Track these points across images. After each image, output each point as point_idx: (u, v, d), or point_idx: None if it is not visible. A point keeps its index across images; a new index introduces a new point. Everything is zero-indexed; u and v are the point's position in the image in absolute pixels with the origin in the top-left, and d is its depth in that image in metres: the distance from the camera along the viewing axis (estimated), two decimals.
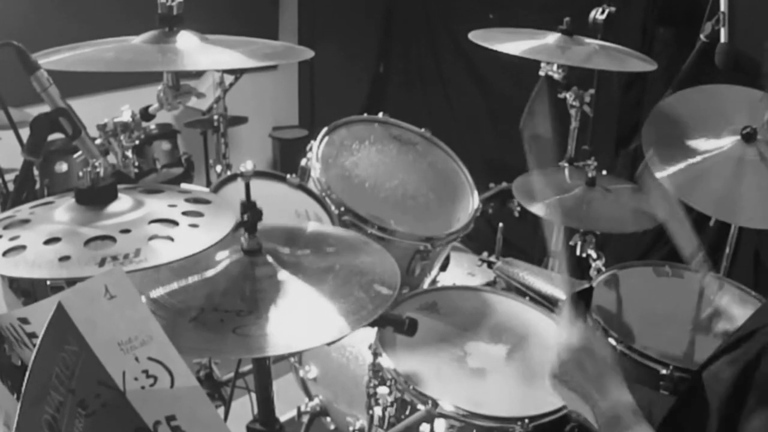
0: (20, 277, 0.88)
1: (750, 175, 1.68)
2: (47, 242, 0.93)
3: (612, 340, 1.57)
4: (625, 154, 2.85)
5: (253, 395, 1.24)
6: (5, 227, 0.98)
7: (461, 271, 2.24)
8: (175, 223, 1.00)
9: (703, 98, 1.88)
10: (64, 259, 0.89)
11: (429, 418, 1.32)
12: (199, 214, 1.03)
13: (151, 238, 0.95)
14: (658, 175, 1.72)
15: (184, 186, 1.31)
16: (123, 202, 1.04)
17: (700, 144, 1.77)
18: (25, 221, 1.00)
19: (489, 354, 1.49)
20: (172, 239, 0.95)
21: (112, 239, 0.94)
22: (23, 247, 0.91)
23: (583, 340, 1.13)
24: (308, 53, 1.56)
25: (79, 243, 0.93)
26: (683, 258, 1.50)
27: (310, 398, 1.81)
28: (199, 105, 3.57)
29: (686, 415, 1.17)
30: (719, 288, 1.55)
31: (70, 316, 0.77)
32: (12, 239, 0.93)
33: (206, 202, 1.10)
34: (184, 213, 1.03)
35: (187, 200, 1.09)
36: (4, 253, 0.90)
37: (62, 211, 1.01)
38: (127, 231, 0.96)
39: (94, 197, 1.02)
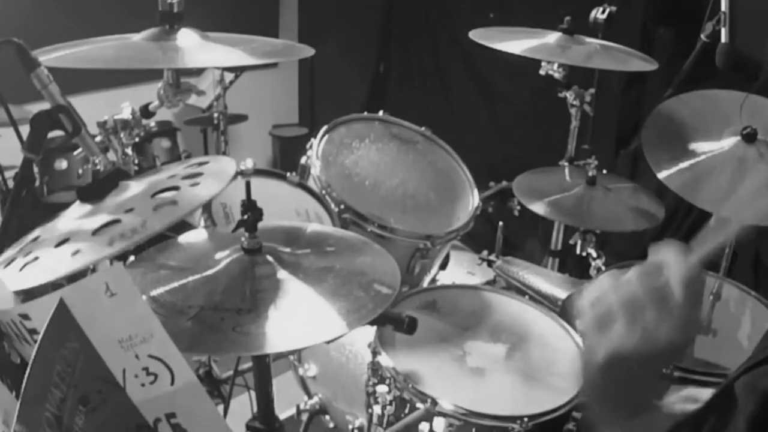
0: (42, 283, 0.89)
1: (752, 175, 1.69)
2: (58, 245, 0.95)
3: None
4: (625, 153, 2.85)
5: (253, 393, 1.24)
6: (20, 252, 1.01)
7: (461, 270, 2.24)
8: (176, 188, 1.02)
9: (703, 100, 1.89)
10: (76, 253, 0.91)
11: (428, 417, 1.32)
12: (198, 175, 1.06)
13: (156, 208, 0.97)
14: (660, 175, 1.72)
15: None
16: (123, 188, 1.07)
17: (700, 145, 1.77)
18: (35, 239, 1.03)
19: (488, 353, 1.49)
20: (176, 203, 0.98)
21: (118, 221, 0.96)
22: (36, 259, 0.94)
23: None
24: (308, 51, 1.56)
25: (86, 235, 0.95)
26: None
27: (310, 396, 1.81)
28: (199, 103, 3.58)
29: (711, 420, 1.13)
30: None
31: (71, 312, 0.77)
32: (26, 255, 0.97)
33: (204, 164, 1.13)
34: (184, 178, 1.05)
35: (185, 168, 1.11)
36: (21, 269, 0.93)
37: (66, 216, 1.05)
38: (130, 210, 0.99)
39: (96, 191, 1.03)
